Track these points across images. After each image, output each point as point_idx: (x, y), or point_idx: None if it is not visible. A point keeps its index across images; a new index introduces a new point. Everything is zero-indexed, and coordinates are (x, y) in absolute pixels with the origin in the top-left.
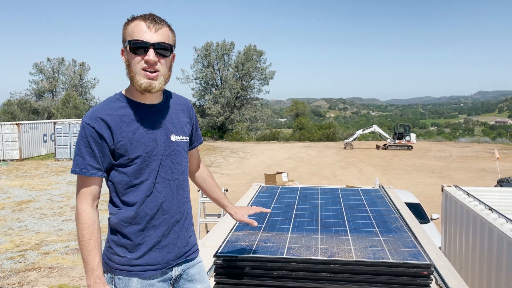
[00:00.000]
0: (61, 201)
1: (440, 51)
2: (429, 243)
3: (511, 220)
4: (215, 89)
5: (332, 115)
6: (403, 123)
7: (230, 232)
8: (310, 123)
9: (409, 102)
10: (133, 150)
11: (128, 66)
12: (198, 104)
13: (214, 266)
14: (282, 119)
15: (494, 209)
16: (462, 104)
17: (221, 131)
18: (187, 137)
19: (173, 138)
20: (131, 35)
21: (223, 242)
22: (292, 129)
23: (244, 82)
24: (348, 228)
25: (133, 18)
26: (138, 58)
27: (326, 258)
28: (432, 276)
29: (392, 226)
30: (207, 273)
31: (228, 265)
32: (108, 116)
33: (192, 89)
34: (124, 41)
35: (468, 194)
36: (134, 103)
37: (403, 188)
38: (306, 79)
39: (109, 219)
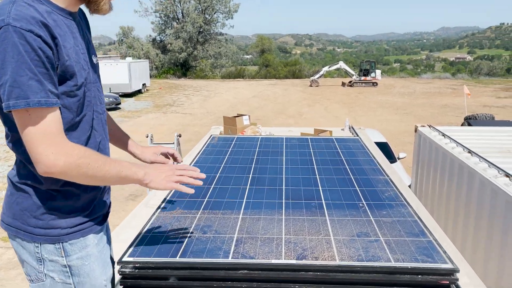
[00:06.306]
0: None
1: None
2: (431, 225)
3: (494, 165)
4: (176, 23)
5: (298, 52)
6: (369, 59)
7: (151, 218)
8: (276, 60)
9: (374, 39)
10: (78, 73)
11: None
12: (159, 39)
13: (120, 276)
14: (247, 56)
15: (474, 152)
16: (424, 41)
17: (184, 68)
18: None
19: (94, 59)
20: None
21: (138, 236)
22: (257, 66)
23: (207, 16)
24: (324, 201)
25: None
26: None
27: (294, 262)
28: (453, 286)
29: (383, 196)
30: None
31: (141, 275)
32: (48, 21)
33: (152, 23)
34: None
35: (444, 135)
36: (60, 9)
37: (369, 126)
38: (272, 13)
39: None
